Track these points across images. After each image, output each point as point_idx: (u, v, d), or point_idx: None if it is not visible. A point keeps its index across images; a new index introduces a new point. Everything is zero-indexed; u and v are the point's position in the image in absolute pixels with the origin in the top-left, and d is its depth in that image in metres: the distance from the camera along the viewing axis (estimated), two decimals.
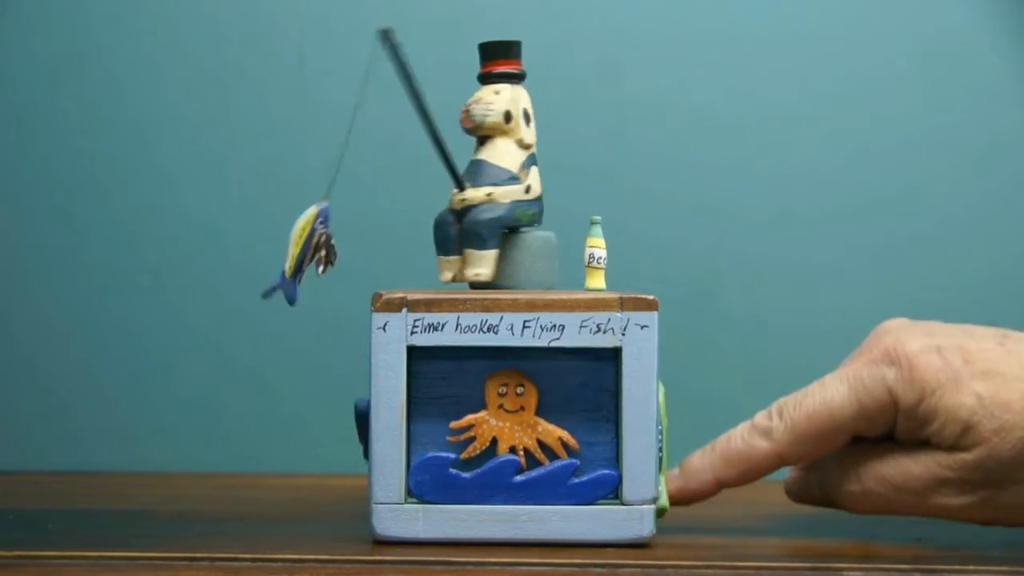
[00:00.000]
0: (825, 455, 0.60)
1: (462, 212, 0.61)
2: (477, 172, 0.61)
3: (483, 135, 0.62)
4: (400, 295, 0.57)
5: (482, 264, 0.60)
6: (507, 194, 0.61)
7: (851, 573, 0.53)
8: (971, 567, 0.53)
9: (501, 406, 0.57)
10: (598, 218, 0.61)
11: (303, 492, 0.74)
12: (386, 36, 0.58)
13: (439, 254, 0.62)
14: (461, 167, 0.62)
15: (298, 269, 0.60)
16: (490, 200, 0.61)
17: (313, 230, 0.60)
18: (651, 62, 0.87)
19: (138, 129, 0.87)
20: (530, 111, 0.63)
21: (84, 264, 0.87)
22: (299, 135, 0.88)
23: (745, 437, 0.61)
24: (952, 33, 0.87)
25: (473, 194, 0.61)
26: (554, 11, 0.87)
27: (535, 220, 0.62)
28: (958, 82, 0.87)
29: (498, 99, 0.62)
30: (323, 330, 0.87)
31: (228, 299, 0.87)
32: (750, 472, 0.61)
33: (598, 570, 0.53)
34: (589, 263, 0.61)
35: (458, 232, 0.61)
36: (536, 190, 0.62)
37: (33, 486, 0.76)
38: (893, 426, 0.58)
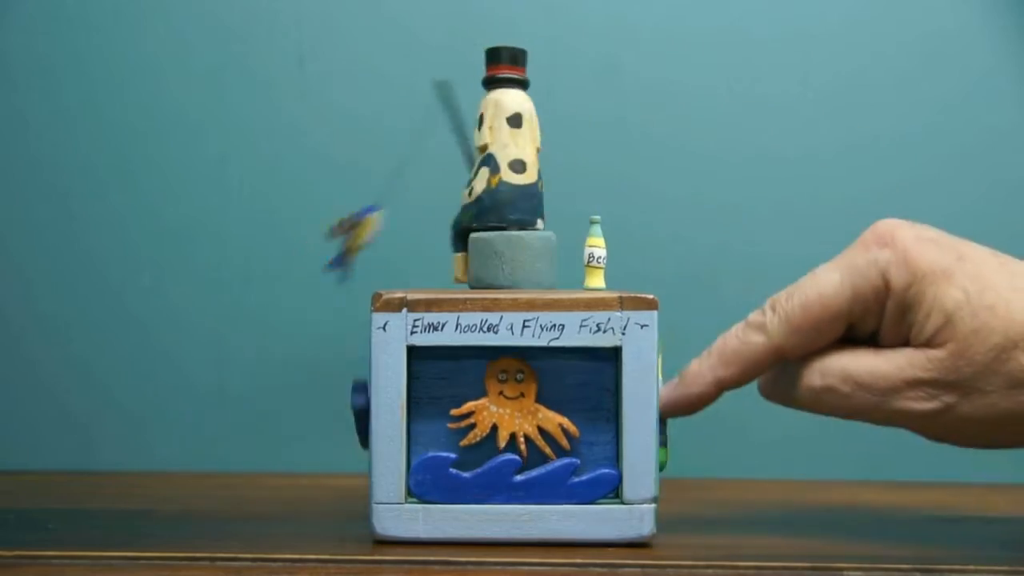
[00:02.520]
0: (822, 346, 0.58)
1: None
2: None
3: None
4: (400, 295, 0.57)
5: (454, 265, 0.65)
6: (462, 199, 0.64)
7: (851, 573, 0.53)
8: (971, 567, 0.53)
9: (501, 393, 0.57)
10: (598, 218, 0.61)
11: (303, 492, 0.74)
12: (442, 88, 0.63)
13: (460, 252, 0.66)
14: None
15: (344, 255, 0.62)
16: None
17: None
18: (651, 61, 0.87)
19: (138, 129, 0.87)
20: (486, 114, 0.63)
21: (84, 264, 0.87)
22: (299, 135, 0.88)
23: (740, 335, 0.59)
24: (951, 32, 0.87)
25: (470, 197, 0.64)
26: (553, 10, 0.87)
27: (474, 219, 0.63)
28: (957, 81, 0.87)
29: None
30: (323, 330, 0.87)
31: (228, 298, 0.87)
32: (748, 369, 0.59)
33: (598, 570, 0.53)
34: (589, 263, 0.61)
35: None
36: (476, 191, 0.62)
37: (33, 486, 0.76)
38: (882, 317, 0.57)
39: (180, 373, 0.87)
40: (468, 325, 0.57)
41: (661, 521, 0.58)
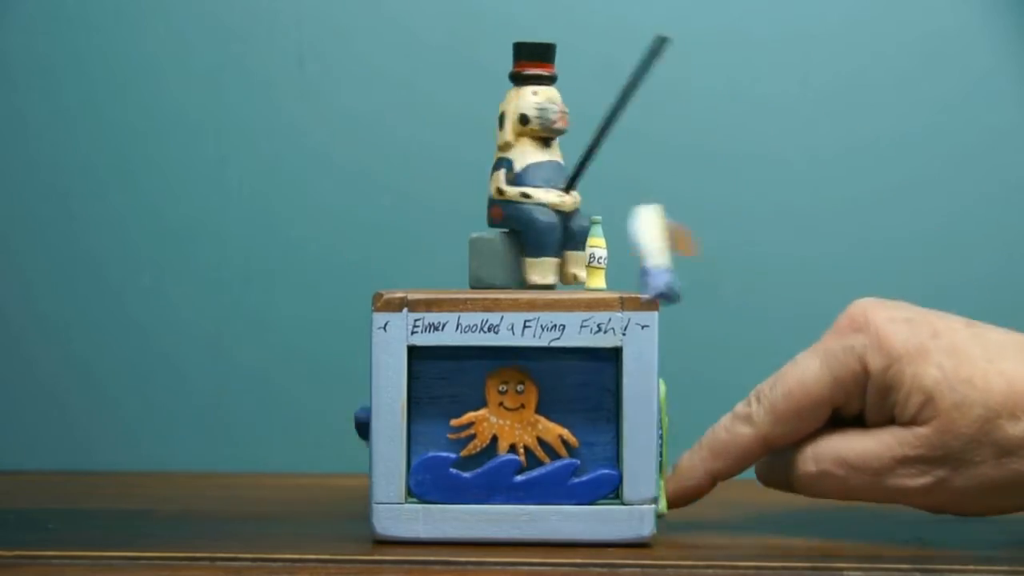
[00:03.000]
0: (808, 433, 0.60)
1: (569, 214, 0.61)
2: (560, 174, 0.62)
3: (549, 137, 0.62)
4: (400, 295, 0.57)
5: (581, 265, 0.61)
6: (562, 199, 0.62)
7: (851, 573, 0.53)
8: (971, 567, 0.53)
9: (501, 404, 0.57)
10: (599, 218, 0.61)
11: (303, 492, 0.74)
12: (661, 42, 0.61)
13: (545, 255, 0.61)
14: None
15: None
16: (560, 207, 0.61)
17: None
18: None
19: (138, 129, 0.87)
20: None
21: (84, 264, 0.87)
22: (299, 135, 0.88)
23: (728, 427, 0.61)
24: (951, 32, 0.87)
25: (575, 197, 0.62)
26: (553, 10, 0.87)
27: None
28: (958, 81, 0.87)
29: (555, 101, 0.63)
30: (323, 330, 0.87)
31: (229, 299, 0.87)
32: (739, 461, 0.61)
33: (598, 570, 0.53)
34: (590, 263, 0.61)
35: (564, 233, 0.61)
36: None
37: (33, 486, 0.76)
38: (865, 400, 0.59)
39: (180, 373, 0.87)
40: (469, 325, 0.57)
41: (661, 521, 0.58)
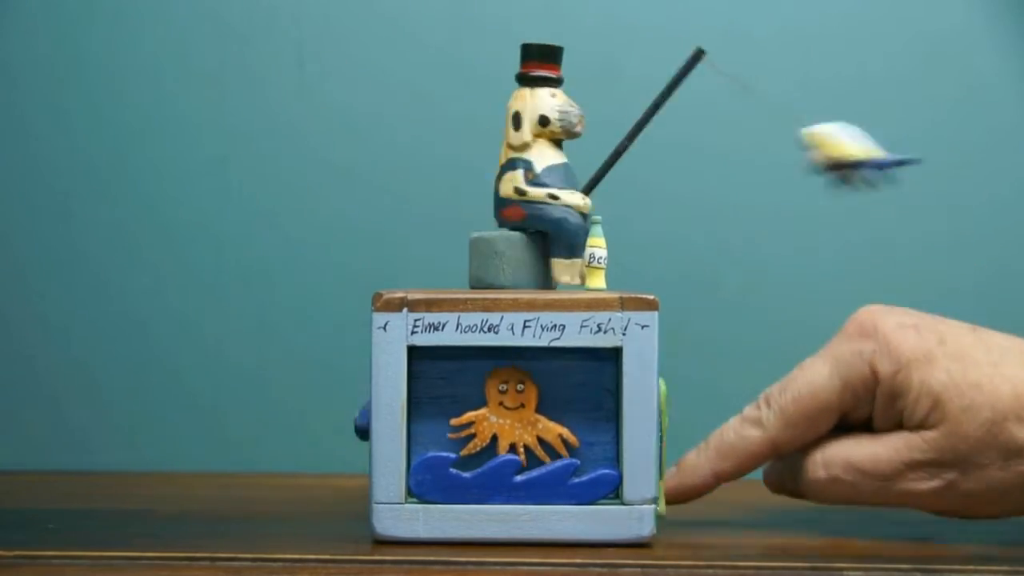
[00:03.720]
0: (816, 437, 0.60)
1: (583, 218, 0.62)
2: (572, 177, 0.62)
3: (561, 140, 0.63)
4: (400, 295, 0.57)
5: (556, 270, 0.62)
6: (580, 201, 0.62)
7: (851, 573, 0.53)
8: (971, 567, 0.53)
9: (501, 403, 0.57)
10: (598, 218, 0.61)
11: (303, 492, 0.74)
12: (699, 55, 0.63)
13: (575, 256, 0.61)
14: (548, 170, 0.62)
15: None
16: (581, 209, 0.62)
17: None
18: (651, 60, 0.87)
19: (138, 129, 0.88)
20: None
21: (84, 264, 0.87)
22: (299, 135, 0.88)
23: (736, 429, 0.61)
24: (951, 32, 0.87)
25: (588, 201, 0.62)
26: (553, 10, 0.87)
27: None
28: (958, 81, 0.87)
29: (570, 104, 0.63)
30: (323, 330, 0.87)
31: (228, 299, 0.87)
32: (745, 463, 0.61)
33: (598, 570, 0.53)
34: (589, 263, 0.61)
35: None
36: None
37: (33, 486, 0.76)
38: (873, 406, 0.59)
39: (179, 373, 0.87)
40: (468, 325, 0.57)
41: (661, 521, 0.58)
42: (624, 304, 0.57)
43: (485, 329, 0.57)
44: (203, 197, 0.87)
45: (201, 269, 0.87)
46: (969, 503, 0.58)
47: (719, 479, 0.62)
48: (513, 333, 0.57)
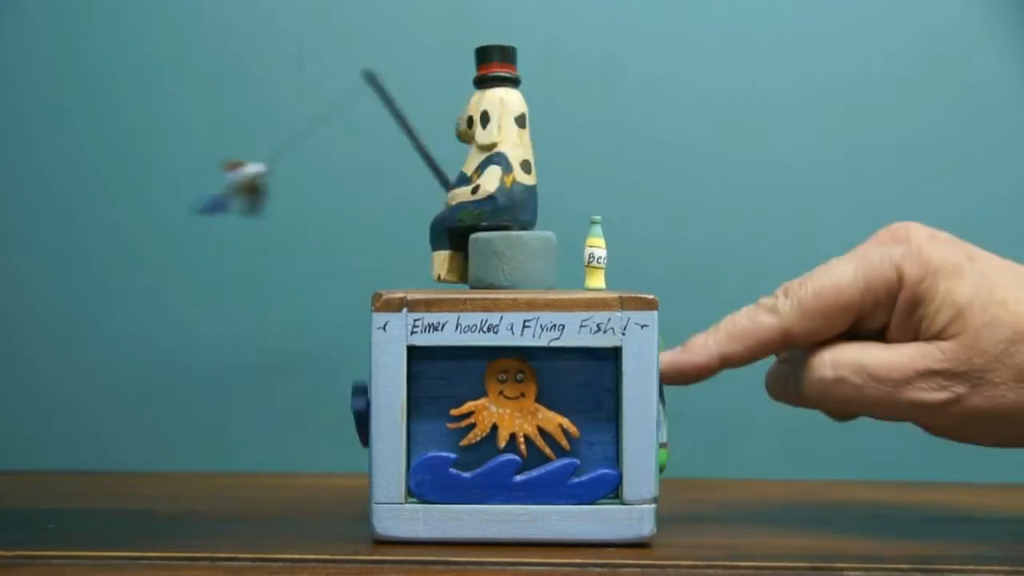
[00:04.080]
0: (828, 336, 0.60)
1: None
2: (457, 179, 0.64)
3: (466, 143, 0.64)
4: (400, 295, 0.57)
5: (434, 263, 0.63)
6: (455, 196, 0.63)
7: (851, 573, 0.53)
8: (971, 567, 0.53)
9: (501, 393, 0.57)
10: (598, 218, 0.61)
11: (303, 492, 0.74)
12: (371, 78, 0.64)
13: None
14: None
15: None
16: (448, 204, 0.63)
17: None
18: (651, 61, 0.87)
19: (139, 129, 0.87)
20: (492, 112, 0.62)
21: (85, 264, 0.87)
22: (299, 135, 0.88)
23: (750, 315, 0.61)
24: (951, 31, 0.87)
25: (446, 198, 0.63)
26: (553, 9, 0.87)
27: (482, 219, 0.62)
28: (957, 80, 0.87)
29: (466, 107, 0.64)
30: (323, 330, 0.87)
31: (228, 299, 0.87)
32: (755, 347, 0.60)
33: (598, 570, 0.53)
34: (589, 263, 0.61)
35: None
36: (487, 189, 0.61)
37: (33, 486, 0.76)
38: (892, 312, 0.59)
39: (179, 373, 0.87)
40: (468, 325, 0.57)
41: (661, 521, 0.58)
42: (624, 304, 0.57)
43: (485, 329, 0.57)
44: (203, 197, 0.87)
45: (201, 269, 0.87)
46: (972, 422, 0.58)
47: (725, 362, 0.61)
48: (513, 333, 0.57)
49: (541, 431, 0.57)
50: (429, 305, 0.57)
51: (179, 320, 0.87)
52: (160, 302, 0.87)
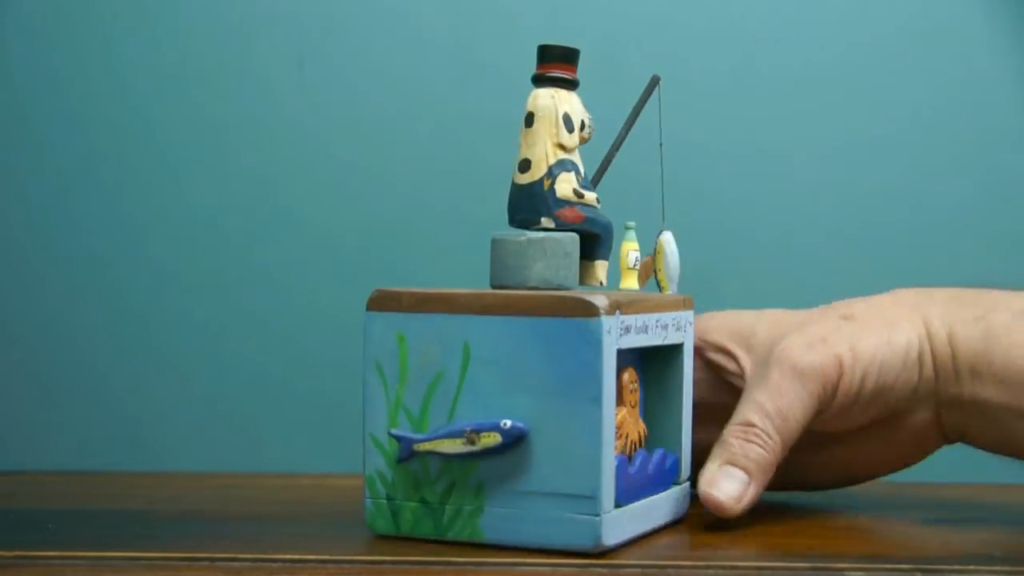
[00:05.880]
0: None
1: None
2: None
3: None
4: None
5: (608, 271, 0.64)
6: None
7: (851, 573, 0.53)
8: (971, 567, 0.53)
9: (630, 403, 0.59)
10: (633, 223, 0.62)
11: (303, 492, 0.74)
12: (655, 84, 0.65)
13: (606, 258, 0.62)
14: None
15: None
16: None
17: None
18: (651, 60, 0.87)
19: (141, 128, 0.88)
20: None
21: (87, 263, 0.87)
22: (299, 135, 0.88)
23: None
24: (949, 28, 0.87)
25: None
26: (553, 9, 0.87)
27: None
28: (956, 77, 0.87)
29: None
30: (323, 330, 0.87)
31: (228, 299, 0.87)
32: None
33: (598, 570, 0.53)
34: (632, 265, 0.62)
35: None
36: None
37: (33, 486, 0.76)
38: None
39: (180, 373, 0.87)
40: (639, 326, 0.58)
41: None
42: (687, 304, 0.61)
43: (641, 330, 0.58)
44: (204, 196, 0.87)
45: (202, 269, 0.87)
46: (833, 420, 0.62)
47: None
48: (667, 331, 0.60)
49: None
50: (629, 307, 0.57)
51: (179, 320, 0.87)
52: (161, 302, 0.87)
